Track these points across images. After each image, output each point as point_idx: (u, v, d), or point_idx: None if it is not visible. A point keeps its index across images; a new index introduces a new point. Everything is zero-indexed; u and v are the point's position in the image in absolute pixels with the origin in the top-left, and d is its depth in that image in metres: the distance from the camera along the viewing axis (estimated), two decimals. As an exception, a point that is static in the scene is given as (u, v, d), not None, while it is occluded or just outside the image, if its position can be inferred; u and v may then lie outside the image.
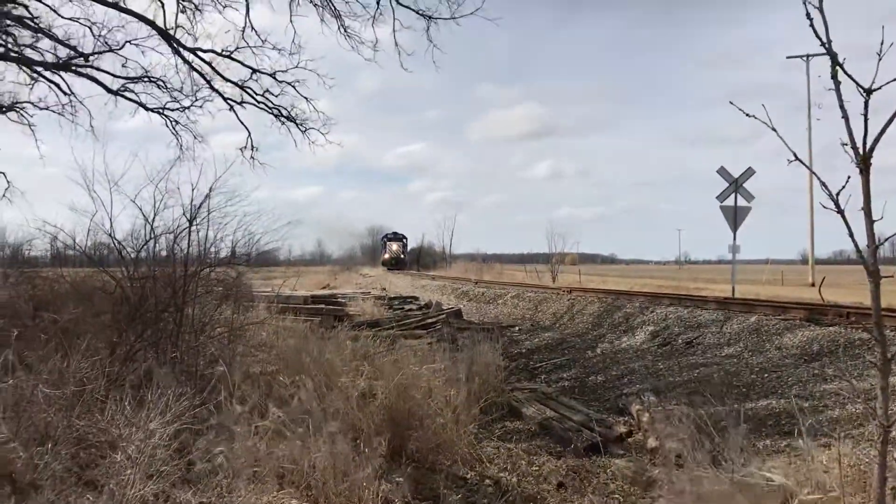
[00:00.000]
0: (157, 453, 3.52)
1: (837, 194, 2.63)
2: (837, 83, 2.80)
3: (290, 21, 13.12)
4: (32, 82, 13.56)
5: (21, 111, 13.88)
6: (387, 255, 75.66)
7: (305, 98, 14.04)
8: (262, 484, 4.28)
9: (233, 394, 5.79)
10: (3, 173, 14.59)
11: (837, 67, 2.71)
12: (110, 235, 7.06)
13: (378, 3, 12.66)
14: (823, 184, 2.65)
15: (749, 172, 19.27)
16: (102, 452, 3.75)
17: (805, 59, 38.29)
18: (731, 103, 3.08)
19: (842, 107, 2.77)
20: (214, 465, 4.26)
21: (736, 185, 19.17)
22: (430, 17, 12.66)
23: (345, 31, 12.96)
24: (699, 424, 5.42)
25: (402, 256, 75.88)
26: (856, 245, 2.64)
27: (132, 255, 7.26)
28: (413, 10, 12.68)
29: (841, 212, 2.63)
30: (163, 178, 7.00)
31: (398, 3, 12.65)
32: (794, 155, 2.83)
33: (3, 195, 14.43)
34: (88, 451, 3.86)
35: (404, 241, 79.44)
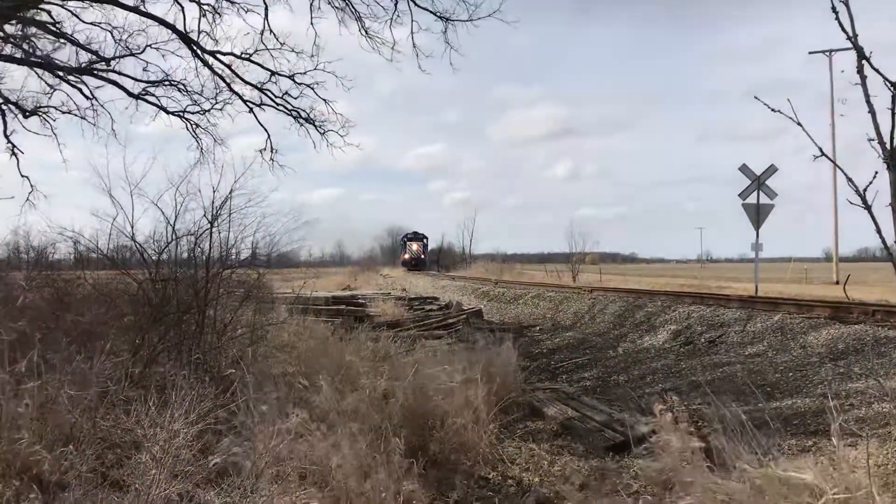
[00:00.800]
0: (182, 453, 3.54)
1: (864, 190, 2.59)
2: (864, 77, 2.76)
3: (311, 24, 13.17)
4: (52, 90, 13.72)
5: (44, 116, 14.06)
6: (406, 256, 72.74)
7: (324, 100, 14.07)
8: (285, 484, 4.29)
9: (254, 395, 5.82)
10: (27, 177, 14.79)
11: (864, 61, 2.66)
12: (132, 238, 7.12)
13: (396, 4, 12.67)
14: (850, 179, 2.61)
15: (771, 170, 19.06)
16: (127, 453, 3.79)
17: (828, 54, 37.82)
18: (756, 98, 3.04)
19: (868, 101, 2.72)
20: (237, 466, 4.28)
21: (758, 182, 18.97)
22: (447, 19, 12.67)
23: (366, 32, 12.99)
24: (723, 424, 5.36)
25: (422, 257, 72.79)
26: (883, 241, 2.59)
27: (154, 258, 7.31)
28: (431, 12, 12.69)
29: (868, 207, 2.59)
30: (183, 181, 7.04)
31: (416, 4, 12.66)
32: (821, 150, 2.79)
33: (27, 199, 14.62)
34: (113, 451, 3.89)
35: (425, 240, 75.85)
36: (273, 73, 13.70)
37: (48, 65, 12.75)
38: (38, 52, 12.79)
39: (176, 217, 7.17)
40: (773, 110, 3.03)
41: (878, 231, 2.61)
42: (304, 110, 14.21)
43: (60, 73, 13.24)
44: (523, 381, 9.59)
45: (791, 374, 9.02)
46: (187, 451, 3.62)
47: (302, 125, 14.31)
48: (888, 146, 2.60)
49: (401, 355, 9.31)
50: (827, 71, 37.82)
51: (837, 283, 33.57)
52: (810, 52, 39.06)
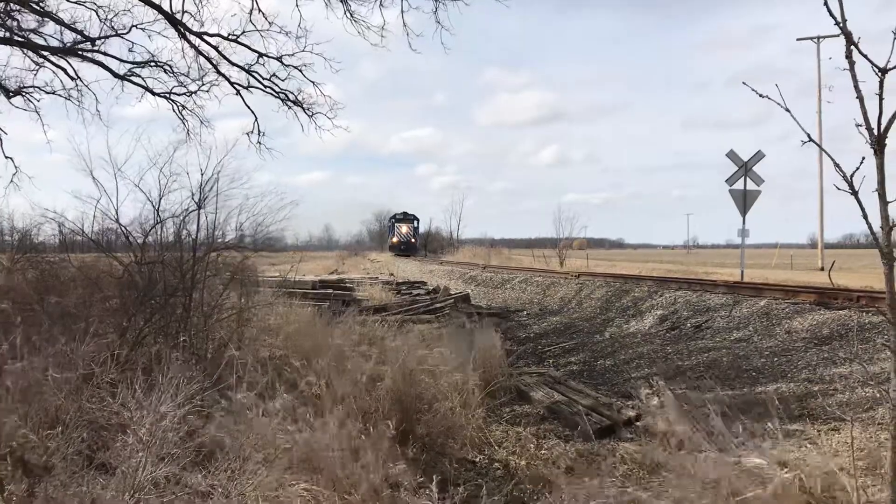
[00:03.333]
0: (168, 436, 3.52)
1: (852, 176, 2.60)
2: (852, 63, 2.76)
3: (297, 5, 13.04)
4: (37, 67, 13.54)
5: (27, 96, 13.88)
6: (395, 239, 65.46)
7: (312, 82, 13.97)
8: (271, 466, 4.28)
9: (242, 377, 5.81)
10: (11, 158, 14.63)
11: (852, 47, 2.66)
12: (116, 220, 7.05)
13: (386, -18, 12.55)
14: (837, 165, 2.61)
15: (759, 156, 19.16)
16: (113, 436, 3.77)
17: (816, 40, 37.91)
18: (745, 83, 3.04)
19: (856, 87, 2.72)
20: (224, 448, 4.28)
21: (745, 168, 19.05)
22: (438, -1, 12.56)
23: (350, 16, 12.88)
24: (707, 408, 5.40)
25: (412, 241, 65.46)
26: (869, 227, 2.61)
27: (139, 240, 7.25)
28: (421, -10, 12.59)
29: (855, 193, 2.60)
30: (167, 162, 6.97)
31: (407, -18, 12.53)
32: (808, 136, 2.79)
33: (11, 180, 14.48)
34: (100, 434, 3.87)
35: (416, 222, 68.28)
36: (261, 55, 13.58)
37: (32, 44, 12.58)
38: (21, 31, 12.60)
39: (160, 199, 7.10)
40: (760, 95, 3.03)
41: (865, 217, 2.62)
42: (291, 92, 14.12)
43: (45, 53, 13.07)
44: (510, 365, 9.63)
45: (776, 358, 9.09)
46: (174, 433, 3.61)
47: (290, 108, 14.22)
48: (875, 131, 2.60)
49: (388, 339, 9.30)
50: (810, 60, 37.98)
51: (822, 269, 33.87)
52: (798, 39, 39.29)
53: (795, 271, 33.60)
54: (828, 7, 2.59)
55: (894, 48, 2.64)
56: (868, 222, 2.63)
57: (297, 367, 7.10)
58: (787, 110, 2.86)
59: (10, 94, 13.57)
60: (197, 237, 7.27)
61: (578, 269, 26.62)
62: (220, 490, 3.64)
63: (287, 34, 13.32)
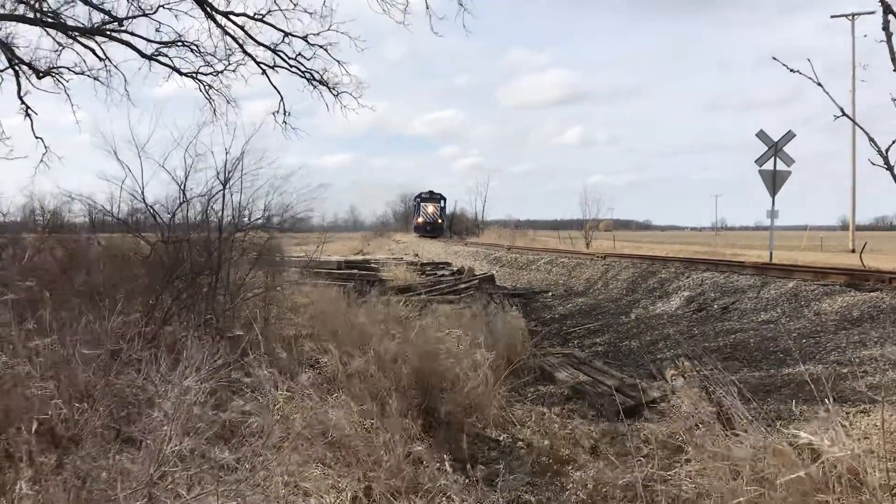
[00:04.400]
0: (194, 410, 3.56)
1: (887, 150, 2.52)
2: (889, 35, 2.67)
3: (321, -17, 12.98)
4: (61, 48, 13.63)
5: (56, 77, 14.02)
6: (420, 219, 61.03)
7: (338, 61, 13.95)
8: (293, 442, 4.32)
9: (267, 355, 5.85)
10: (41, 139, 14.81)
11: (890, 17, 2.58)
12: (142, 200, 7.11)
13: (409, -37, 12.45)
14: (872, 140, 2.53)
15: (789, 136, 18.77)
16: (140, 410, 3.82)
17: (851, 17, 37.00)
18: (775, 58, 2.96)
19: (893, 59, 2.63)
20: (249, 424, 4.32)
21: (776, 148, 18.71)
22: (461, -21, 12.44)
23: (376, -7, 12.80)
24: (734, 389, 5.34)
25: (439, 221, 61.00)
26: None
27: (166, 220, 7.31)
28: (445, -29, 12.48)
29: (890, 168, 2.52)
30: (192, 142, 6.99)
31: (430, -36, 12.43)
32: (842, 110, 2.72)
33: (42, 160, 14.67)
34: (127, 408, 3.93)
35: (442, 202, 63.59)
36: (286, 34, 13.57)
37: (60, 25, 12.66)
38: (51, 12, 12.70)
39: (186, 178, 7.14)
40: (791, 70, 2.95)
41: (900, 192, 2.55)
42: (317, 72, 14.11)
43: (73, 34, 13.17)
44: (535, 345, 9.62)
45: (804, 340, 8.97)
46: (199, 407, 3.65)
47: (315, 87, 14.23)
48: (914, 104, 2.52)
49: (412, 319, 9.33)
50: (841, 38, 37.09)
51: (853, 251, 33.27)
52: (832, 16, 38.17)
53: (826, 253, 33.08)
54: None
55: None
56: (902, 198, 2.56)
57: (322, 345, 7.15)
58: (820, 84, 2.78)
59: (41, 74, 13.72)
60: (223, 216, 7.31)
61: (605, 251, 26.45)
62: (246, 466, 3.68)
63: (311, 14, 13.31)
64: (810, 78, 2.89)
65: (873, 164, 2.52)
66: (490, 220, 72.41)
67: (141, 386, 3.91)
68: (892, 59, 2.67)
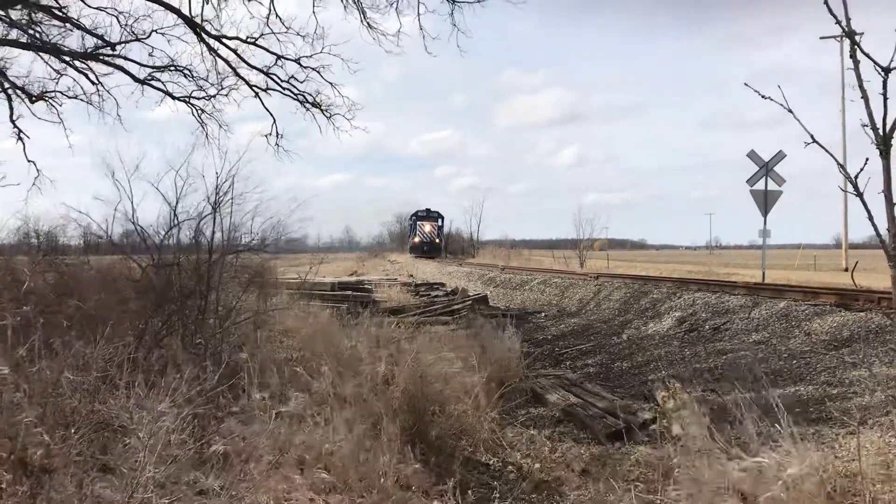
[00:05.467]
0: (172, 438, 3.55)
1: (856, 177, 2.56)
2: (857, 62, 2.74)
3: (313, 12, 13.14)
4: (59, 75, 13.74)
5: (50, 101, 14.09)
6: (416, 239, 58.12)
7: (330, 83, 14.02)
8: (282, 468, 4.31)
9: (255, 379, 5.85)
10: (33, 162, 14.85)
11: (856, 47, 2.63)
12: (133, 223, 7.14)
13: (402, -13, 12.60)
14: (842, 166, 2.58)
15: (780, 156, 18.94)
16: (118, 437, 3.81)
17: (839, 39, 37.36)
18: (746, 84, 3.02)
19: (861, 87, 2.70)
20: (235, 449, 4.31)
21: (766, 168, 18.86)
22: (454, 1, 12.59)
23: (368, 24, 12.97)
24: (724, 411, 5.36)
25: (436, 241, 58.08)
26: (875, 229, 2.58)
27: (157, 242, 7.33)
28: (438, -7, 12.64)
29: (860, 195, 2.56)
30: (184, 164, 7.03)
31: (423, -15, 12.58)
32: (812, 137, 2.78)
33: (34, 184, 14.69)
34: (107, 434, 3.92)
35: (440, 220, 60.28)
36: (279, 57, 13.67)
37: (54, 50, 12.76)
38: (44, 37, 12.79)
39: (177, 201, 7.17)
40: (763, 97, 3.01)
41: (870, 218, 2.60)
42: (310, 94, 14.20)
43: (66, 59, 13.25)
44: (526, 367, 9.61)
45: (795, 361, 8.99)
46: (177, 434, 3.64)
47: (308, 109, 14.29)
48: (881, 132, 2.57)
49: (404, 341, 9.32)
50: (831, 58, 37.48)
51: (846, 270, 33.38)
52: (821, 38, 38.56)
53: (819, 272, 33.19)
54: (828, 6, 2.57)
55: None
56: (874, 224, 2.61)
57: (313, 369, 7.14)
58: (790, 111, 2.84)
59: (33, 98, 13.79)
60: (213, 239, 7.33)
61: (598, 271, 26.50)
62: (231, 492, 3.67)
63: (304, 37, 13.41)
64: (781, 104, 2.95)
65: (842, 190, 2.56)
66: (486, 239, 71.08)
67: (116, 414, 3.90)
68: (860, 87, 2.73)
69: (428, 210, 60.65)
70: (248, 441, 4.52)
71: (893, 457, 4.79)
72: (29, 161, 14.78)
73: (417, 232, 58.52)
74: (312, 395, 6.57)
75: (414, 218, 60.79)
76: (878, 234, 2.55)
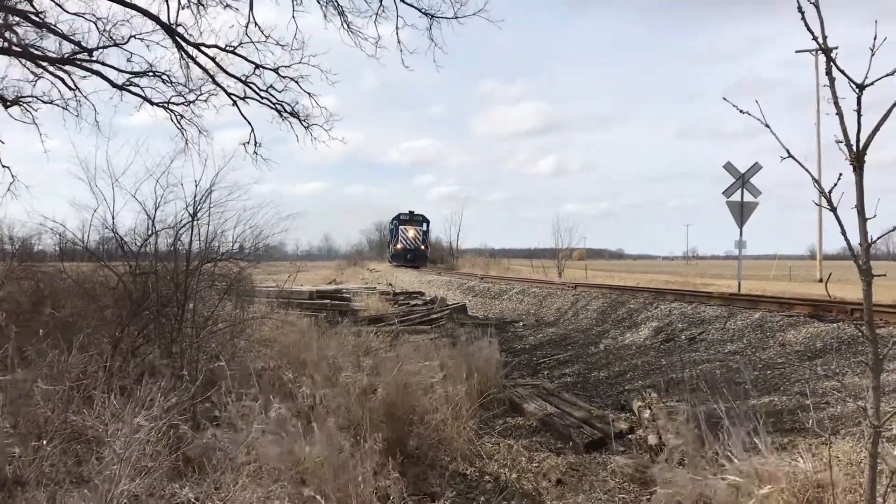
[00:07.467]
0: (147, 449, 3.52)
1: (830, 191, 2.62)
2: (832, 79, 2.78)
3: (293, 17, 13.11)
4: (35, 79, 13.61)
5: (25, 106, 13.93)
6: (399, 245, 52.59)
7: (308, 94, 14.00)
8: (259, 478, 4.28)
9: (233, 389, 5.80)
10: (8, 168, 14.66)
11: (832, 63, 2.69)
12: (112, 230, 7.08)
13: (381, 0, 12.62)
14: (816, 181, 2.63)
15: (756, 168, 19.20)
16: (93, 448, 3.77)
17: (814, 53, 38.00)
18: (725, 99, 3.07)
19: (836, 103, 2.75)
20: (211, 460, 4.28)
21: (742, 180, 19.10)
22: (432, 16, 12.62)
23: (348, 27, 12.94)
24: (699, 421, 5.41)
25: (421, 247, 52.52)
26: (848, 244, 2.63)
27: (134, 250, 7.27)
28: (416, 8, 12.65)
29: (833, 209, 2.62)
30: (164, 173, 6.99)
31: (402, 0, 12.62)
32: (787, 152, 2.82)
33: (9, 189, 14.50)
34: (81, 446, 3.88)
35: (425, 225, 54.20)
36: (257, 66, 13.63)
37: (30, 55, 12.63)
38: (21, 42, 12.66)
39: (156, 209, 7.12)
40: (741, 111, 3.05)
41: (843, 233, 2.65)
42: (288, 104, 14.15)
43: (43, 64, 13.13)
44: (504, 376, 9.63)
45: (769, 371, 9.09)
46: (152, 445, 3.60)
47: (286, 119, 14.26)
48: (854, 148, 2.63)
49: (383, 350, 9.31)
50: (806, 71, 38.08)
51: (821, 280, 33.86)
52: (797, 51, 39.18)
53: (794, 283, 33.60)
54: (805, 22, 2.62)
55: (872, 65, 2.67)
56: (846, 238, 2.66)
57: (291, 378, 7.10)
58: (767, 126, 2.88)
59: (8, 103, 13.62)
60: (191, 248, 7.28)
61: (576, 281, 26.63)
62: (207, 503, 3.64)
63: (283, 46, 13.39)
64: (759, 119, 2.99)
65: (816, 205, 2.61)
66: (465, 248, 70.08)
67: (90, 425, 3.85)
68: (835, 103, 2.78)
69: (411, 213, 54.10)
70: (225, 452, 4.48)
71: (863, 467, 4.84)
72: (3, 166, 14.61)
73: (400, 238, 52.80)
74: (290, 405, 6.54)
75: (396, 222, 54.78)
76: (851, 249, 2.61)
